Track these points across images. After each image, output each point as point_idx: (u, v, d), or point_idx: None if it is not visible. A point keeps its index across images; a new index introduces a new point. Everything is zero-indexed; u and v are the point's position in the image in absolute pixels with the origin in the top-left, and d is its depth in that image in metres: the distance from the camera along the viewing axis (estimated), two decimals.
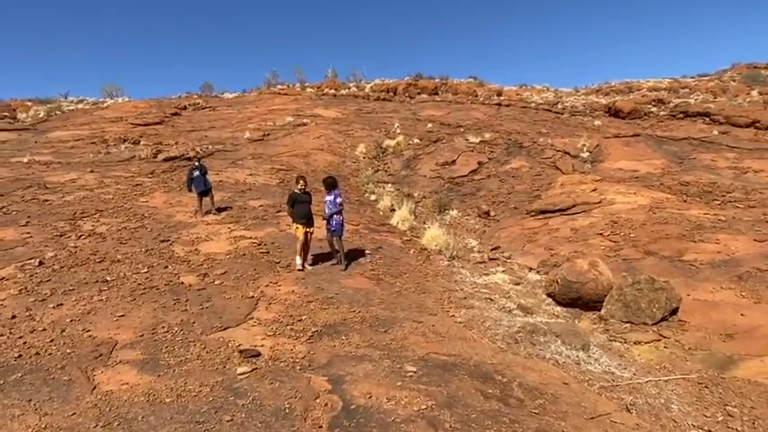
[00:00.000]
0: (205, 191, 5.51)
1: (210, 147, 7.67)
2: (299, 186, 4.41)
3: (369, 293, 3.89)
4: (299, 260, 4.39)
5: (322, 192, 4.51)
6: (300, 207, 4.45)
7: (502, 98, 12.74)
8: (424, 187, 6.91)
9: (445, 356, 3.04)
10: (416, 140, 8.65)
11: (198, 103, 10.44)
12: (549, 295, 4.44)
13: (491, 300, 4.19)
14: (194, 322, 3.45)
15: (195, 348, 3.07)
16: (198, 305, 3.69)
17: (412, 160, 7.81)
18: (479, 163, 7.56)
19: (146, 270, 4.12)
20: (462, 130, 9.39)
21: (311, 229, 4.43)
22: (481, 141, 8.47)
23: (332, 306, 3.64)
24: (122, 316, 3.38)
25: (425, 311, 3.78)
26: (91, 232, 4.64)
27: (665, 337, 3.77)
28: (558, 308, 4.29)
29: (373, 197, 6.26)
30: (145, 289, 3.80)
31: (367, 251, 4.72)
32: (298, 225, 4.43)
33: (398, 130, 9.43)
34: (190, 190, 5.40)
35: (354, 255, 4.50)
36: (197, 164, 5.56)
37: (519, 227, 5.67)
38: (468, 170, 7.33)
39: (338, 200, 4.37)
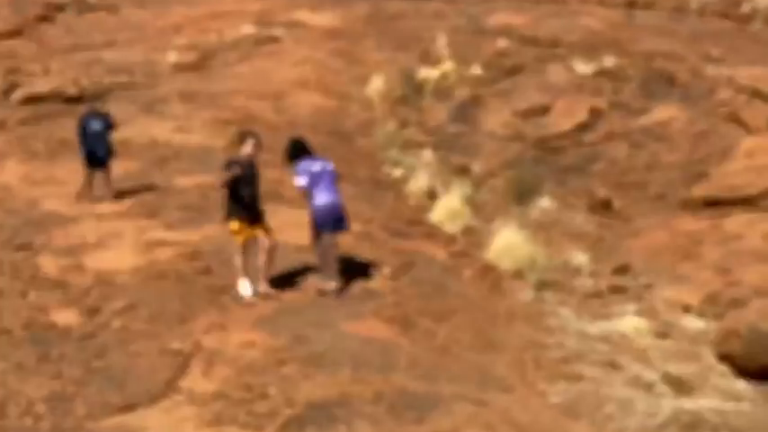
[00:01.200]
0: (102, 158, 5.10)
1: (107, 78, 7.02)
2: (247, 150, 3.91)
3: (389, 348, 3.49)
4: (245, 286, 3.97)
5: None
6: (246, 189, 3.96)
7: None
8: (492, 156, 6.06)
9: None
10: (478, 70, 7.70)
11: (85, 0, 9.80)
12: (723, 358, 4.01)
13: (614, 365, 3.69)
14: (74, 397, 3.09)
15: None
16: (82, 365, 3.35)
17: (469, 106, 6.89)
18: (593, 112, 6.57)
19: None
20: (562, 51, 8.28)
21: (261, 228, 3.97)
22: (598, 72, 7.45)
23: (322, 370, 3.22)
24: None
25: (493, 384, 3.37)
26: None
27: None
28: (742, 382, 3.77)
29: (398, 172, 5.74)
30: None
31: (386, 271, 4.24)
32: (236, 221, 3.97)
33: (445, 51, 8.38)
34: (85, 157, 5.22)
35: (363, 276, 4.13)
36: (94, 110, 5.25)
37: (666, 231, 5.04)
38: (573, 124, 6.40)
39: (332, 169, 4.01)
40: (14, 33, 7.54)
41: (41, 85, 6.43)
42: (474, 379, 3.44)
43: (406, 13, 9.99)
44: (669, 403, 3.47)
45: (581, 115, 6.49)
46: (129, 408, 2.97)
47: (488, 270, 4.44)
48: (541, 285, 4.27)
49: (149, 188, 5.14)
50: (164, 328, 3.57)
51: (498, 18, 9.70)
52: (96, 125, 4.98)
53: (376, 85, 7.14)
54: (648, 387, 3.58)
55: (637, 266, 4.52)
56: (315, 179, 3.86)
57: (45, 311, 3.70)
